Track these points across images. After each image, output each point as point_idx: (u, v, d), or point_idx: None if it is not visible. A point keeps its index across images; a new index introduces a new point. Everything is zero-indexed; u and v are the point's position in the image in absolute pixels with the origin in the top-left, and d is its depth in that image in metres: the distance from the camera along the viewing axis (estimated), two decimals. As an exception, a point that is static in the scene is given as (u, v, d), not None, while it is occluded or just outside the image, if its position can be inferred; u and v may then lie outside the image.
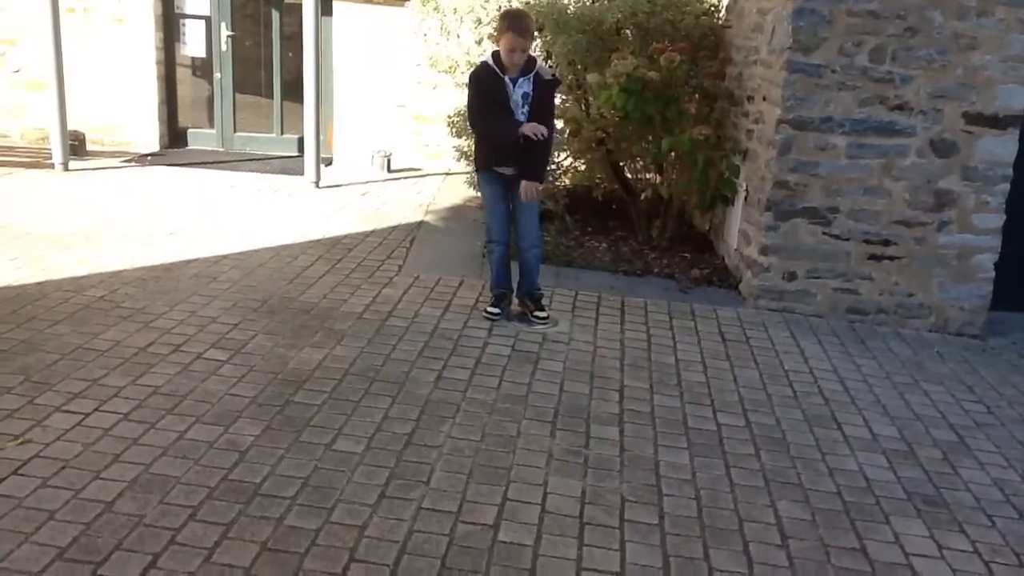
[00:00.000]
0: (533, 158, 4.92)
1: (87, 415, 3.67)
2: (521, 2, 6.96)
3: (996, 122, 5.57)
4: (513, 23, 4.76)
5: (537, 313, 5.17)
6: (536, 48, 7.23)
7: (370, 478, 3.38)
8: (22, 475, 3.20)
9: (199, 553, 2.84)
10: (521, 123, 4.82)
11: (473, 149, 5.14)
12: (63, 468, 3.26)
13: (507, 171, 4.99)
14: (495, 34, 4.85)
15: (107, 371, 4.10)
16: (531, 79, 4.86)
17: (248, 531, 2.98)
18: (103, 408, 3.74)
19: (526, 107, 4.88)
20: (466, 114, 7.76)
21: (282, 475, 3.35)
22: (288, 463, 3.44)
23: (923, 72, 5.53)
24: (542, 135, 4.80)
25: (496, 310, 5.20)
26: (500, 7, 7.06)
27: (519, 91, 4.85)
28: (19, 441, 3.43)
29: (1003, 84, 5.53)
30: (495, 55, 4.85)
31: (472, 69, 5.10)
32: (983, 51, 5.49)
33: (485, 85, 4.87)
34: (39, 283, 5.20)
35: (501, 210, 5.10)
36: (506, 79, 4.81)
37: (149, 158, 9.10)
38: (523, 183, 4.89)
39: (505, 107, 4.84)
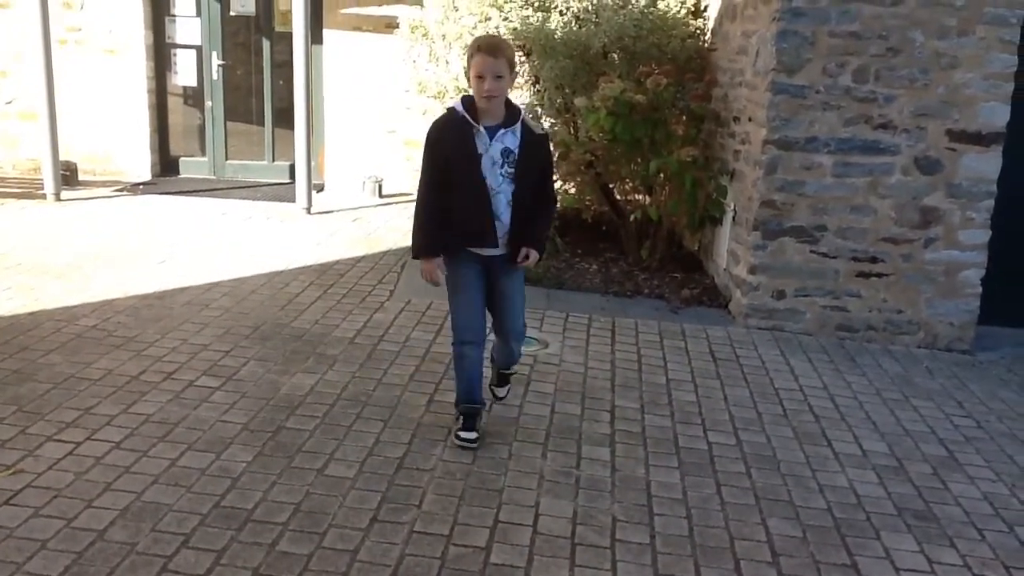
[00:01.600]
0: (534, 227, 3.79)
1: (79, 444, 3.68)
2: (508, 28, 7.02)
3: (979, 139, 5.64)
4: (482, 43, 3.64)
5: (496, 389, 4.27)
6: (524, 73, 7.31)
7: (362, 502, 3.39)
8: (14, 505, 3.20)
9: (191, 580, 2.85)
10: (490, 188, 3.67)
11: (415, 228, 3.79)
12: (55, 497, 3.27)
13: (489, 251, 3.77)
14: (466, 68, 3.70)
15: (99, 400, 4.11)
16: (516, 132, 3.67)
17: (240, 557, 2.99)
18: (95, 437, 3.75)
19: (507, 167, 3.66)
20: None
21: (274, 501, 3.36)
22: (280, 489, 3.45)
23: (906, 91, 5.59)
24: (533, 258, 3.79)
25: (472, 435, 3.89)
26: (488, 32, 7.13)
27: (497, 145, 3.64)
28: (11, 471, 3.44)
29: (985, 102, 5.59)
30: (466, 100, 3.68)
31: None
32: (965, 69, 5.56)
33: (444, 137, 3.68)
34: (31, 313, 5.21)
35: (476, 300, 3.84)
36: (480, 128, 3.62)
37: (141, 187, 9.14)
38: (527, 256, 3.76)
39: (471, 165, 3.63)
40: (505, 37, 7.04)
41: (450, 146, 3.65)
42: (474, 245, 3.76)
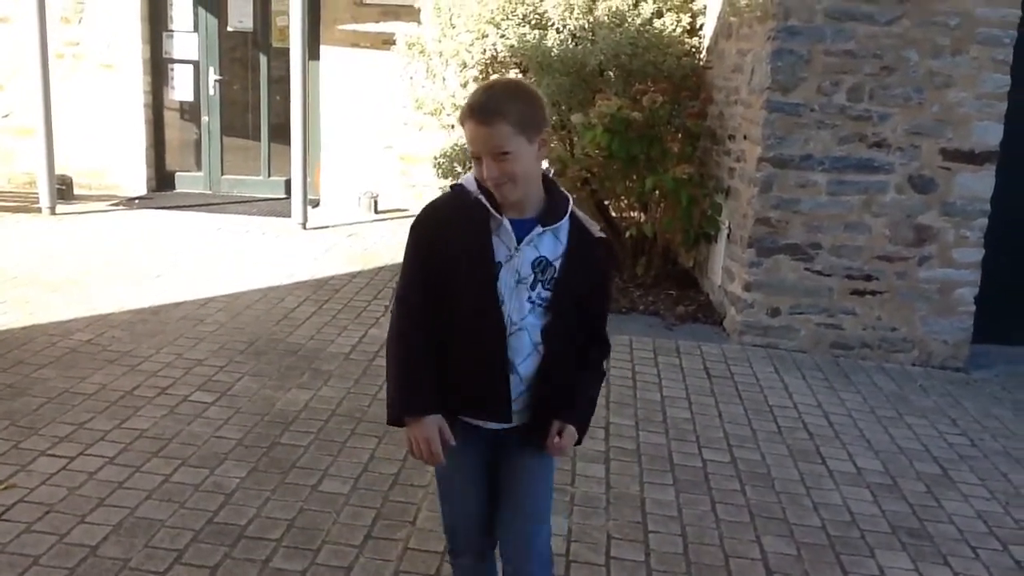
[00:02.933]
0: (575, 388, 2.36)
1: (72, 459, 3.67)
2: (505, 45, 7.05)
3: (973, 158, 5.67)
4: (468, 104, 2.21)
5: None
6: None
7: (356, 519, 3.39)
8: (6, 520, 3.20)
9: (184, 596, 2.84)
10: (507, 320, 2.25)
11: (389, 377, 2.38)
12: (47, 513, 3.26)
13: (497, 425, 2.34)
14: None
15: (93, 415, 4.10)
16: (561, 233, 2.28)
17: (233, 574, 2.98)
18: (88, 452, 3.74)
19: (540, 288, 2.26)
20: (452, 156, 7.93)
21: (268, 517, 3.35)
22: (274, 505, 3.44)
23: (900, 110, 5.62)
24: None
25: None
26: (485, 50, 7.15)
27: (528, 252, 2.25)
28: (3, 486, 3.43)
29: (979, 121, 5.62)
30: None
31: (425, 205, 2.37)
32: (958, 89, 5.60)
33: (440, 231, 2.27)
34: (25, 327, 5.20)
35: (473, 495, 2.43)
36: (503, 221, 2.23)
37: (137, 201, 9.14)
38: (558, 435, 2.31)
39: (481, 277, 2.24)
40: (502, 55, 7.09)
41: (451, 246, 2.23)
42: (474, 414, 2.33)
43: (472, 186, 2.26)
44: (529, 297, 2.26)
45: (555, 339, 2.30)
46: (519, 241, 2.24)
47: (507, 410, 2.29)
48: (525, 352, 2.28)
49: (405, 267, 2.33)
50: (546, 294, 2.27)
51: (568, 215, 2.29)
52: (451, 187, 2.34)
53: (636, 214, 7.33)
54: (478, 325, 2.25)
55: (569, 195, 2.32)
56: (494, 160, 2.16)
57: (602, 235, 2.34)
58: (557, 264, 2.27)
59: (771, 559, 3.37)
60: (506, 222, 2.23)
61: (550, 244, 2.27)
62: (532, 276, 2.26)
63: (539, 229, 2.25)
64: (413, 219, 2.33)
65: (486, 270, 2.23)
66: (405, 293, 2.30)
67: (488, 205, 2.23)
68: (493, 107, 2.16)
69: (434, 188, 8.20)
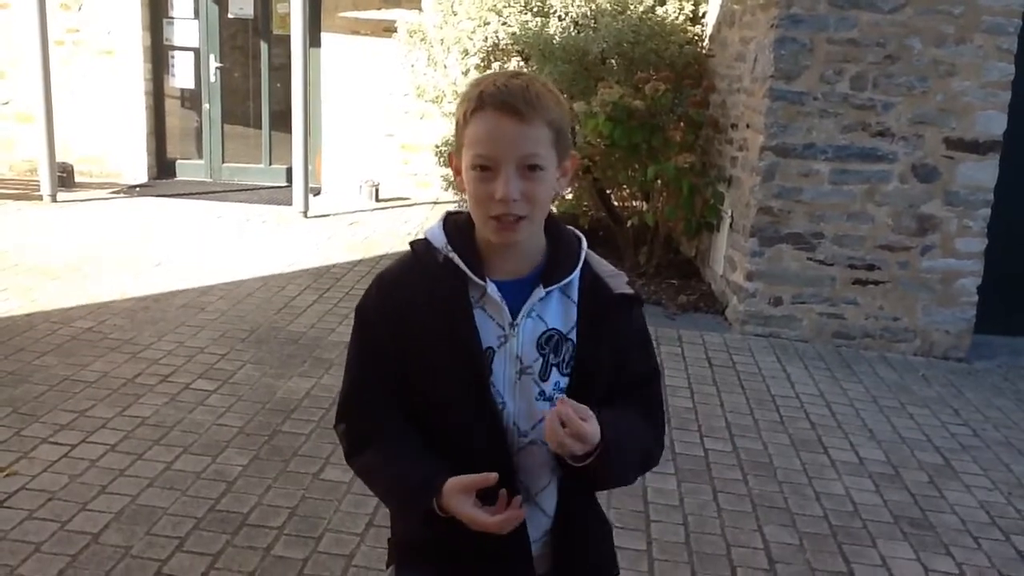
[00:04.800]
0: (621, 418, 1.58)
1: (74, 446, 3.67)
2: (507, 33, 7.02)
3: (976, 147, 5.64)
4: (498, 88, 1.49)
5: None
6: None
7: (357, 507, 3.38)
8: (8, 507, 3.20)
9: (186, 584, 2.84)
10: (509, 432, 1.56)
11: (385, 495, 1.85)
12: (49, 500, 3.26)
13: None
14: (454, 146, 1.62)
15: (94, 402, 4.10)
16: (571, 291, 1.60)
17: (235, 561, 2.98)
18: (90, 439, 3.74)
19: (556, 374, 1.57)
20: (453, 144, 7.81)
21: (269, 505, 3.35)
22: (275, 493, 3.44)
23: (904, 99, 5.60)
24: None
25: None
26: (487, 38, 7.12)
27: (529, 326, 1.56)
28: (5, 473, 3.42)
29: (983, 110, 5.60)
30: (454, 224, 1.61)
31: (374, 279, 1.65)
32: (962, 78, 5.57)
33: (399, 326, 1.57)
34: (27, 314, 5.20)
35: None
36: (487, 286, 1.55)
37: (137, 189, 9.12)
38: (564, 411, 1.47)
39: (466, 378, 1.55)
40: (504, 43, 7.06)
41: (417, 336, 1.57)
42: (481, 574, 1.63)
43: (440, 240, 1.58)
44: (541, 392, 1.56)
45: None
46: (514, 313, 1.55)
47: (527, 561, 1.60)
48: (542, 476, 1.59)
49: (347, 378, 1.69)
50: (562, 379, 1.58)
51: (579, 266, 1.60)
52: (411, 245, 1.63)
53: (638, 203, 7.33)
54: (469, 444, 1.55)
55: (581, 235, 1.66)
56: (519, 173, 1.49)
57: (628, 290, 1.65)
58: (574, 336, 1.58)
59: (773, 548, 3.37)
60: (492, 288, 1.55)
61: (558, 309, 1.58)
62: (540, 360, 1.57)
63: (540, 292, 1.56)
64: (358, 303, 1.64)
65: (472, 363, 1.54)
66: (348, 413, 1.73)
67: (463, 265, 1.55)
68: (533, 99, 1.49)
69: (435, 176, 8.21)
